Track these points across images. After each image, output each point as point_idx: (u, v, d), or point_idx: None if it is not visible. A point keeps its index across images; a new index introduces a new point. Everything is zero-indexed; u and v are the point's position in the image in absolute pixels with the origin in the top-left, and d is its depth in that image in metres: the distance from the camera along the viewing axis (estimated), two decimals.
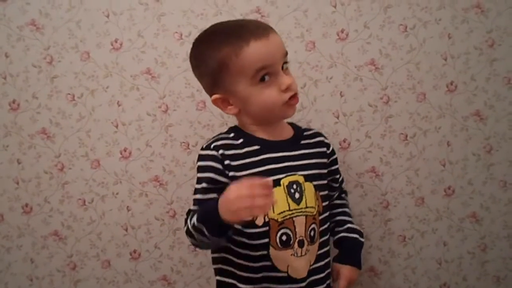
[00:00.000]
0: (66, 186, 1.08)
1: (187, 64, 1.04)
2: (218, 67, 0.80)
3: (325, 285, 0.88)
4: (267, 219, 0.82)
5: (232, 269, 0.85)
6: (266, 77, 0.80)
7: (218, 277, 0.89)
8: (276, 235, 0.82)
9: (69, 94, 1.05)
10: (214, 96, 0.84)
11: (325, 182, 0.91)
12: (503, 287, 1.16)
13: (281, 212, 0.82)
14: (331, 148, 0.94)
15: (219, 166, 0.82)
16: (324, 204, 0.89)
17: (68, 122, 1.06)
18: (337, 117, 1.09)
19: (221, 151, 0.83)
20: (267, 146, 0.85)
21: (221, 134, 0.89)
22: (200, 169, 0.84)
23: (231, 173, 0.82)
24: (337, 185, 0.98)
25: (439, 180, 1.12)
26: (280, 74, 0.81)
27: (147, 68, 1.05)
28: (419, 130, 1.10)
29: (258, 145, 0.85)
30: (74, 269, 1.11)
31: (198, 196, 0.84)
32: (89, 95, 1.06)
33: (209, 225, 0.75)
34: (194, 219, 0.78)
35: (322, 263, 0.87)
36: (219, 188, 0.79)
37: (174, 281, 1.13)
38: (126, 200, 1.09)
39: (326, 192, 0.90)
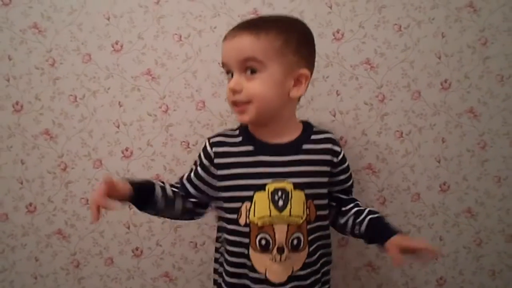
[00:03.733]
0: (69, 185, 1.10)
1: (187, 65, 1.08)
2: None
3: None
4: (248, 221, 0.83)
5: (222, 261, 0.89)
6: (231, 75, 0.83)
7: (214, 264, 0.94)
8: (256, 238, 0.83)
9: (71, 95, 1.08)
10: None
11: (324, 191, 0.88)
12: (499, 280, 1.18)
13: (261, 217, 0.82)
14: (340, 157, 0.89)
15: (207, 162, 0.87)
16: (320, 213, 0.87)
17: (70, 122, 1.08)
18: (334, 115, 1.11)
19: (214, 149, 0.87)
20: (262, 148, 0.85)
21: (229, 129, 0.92)
22: (198, 155, 0.90)
23: (219, 172, 0.86)
24: (347, 197, 0.93)
25: (434, 176, 1.14)
26: (233, 77, 0.82)
27: (148, 69, 1.08)
28: (414, 127, 1.12)
29: (253, 145, 0.86)
30: (78, 266, 1.13)
31: (190, 174, 0.91)
32: (91, 96, 1.08)
33: None
34: None
35: (309, 270, 0.86)
36: (201, 179, 0.88)
37: (176, 278, 1.15)
38: None
39: (324, 202, 0.88)
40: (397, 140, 1.12)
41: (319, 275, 0.88)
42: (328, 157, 0.87)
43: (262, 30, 0.80)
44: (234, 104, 0.83)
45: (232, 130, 0.91)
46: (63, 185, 1.10)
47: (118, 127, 1.09)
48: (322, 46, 1.07)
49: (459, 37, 1.09)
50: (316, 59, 1.07)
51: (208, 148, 0.87)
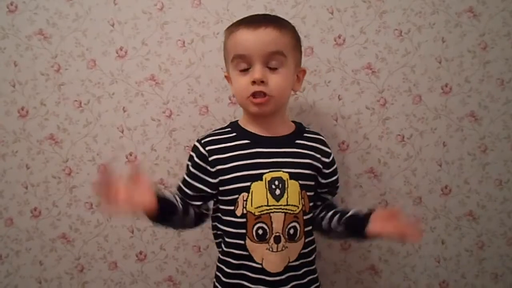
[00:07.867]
0: (73, 190, 1.11)
1: (190, 71, 1.09)
2: (224, 47, 0.89)
3: (305, 280, 0.89)
4: (245, 211, 0.85)
5: (221, 252, 0.91)
6: (246, 66, 0.83)
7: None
8: (253, 228, 0.85)
9: (76, 100, 1.09)
10: (225, 73, 0.93)
11: (313, 183, 0.90)
12: (501, 284, 1.18)
13: (259, 207, 0.84)
14: (330, 158, 0.93)
15: (201, 163, 0.88)
16: (311, 204, 0.90)
17: (75, 128, 1.10)
18: (336, 120, 1.12)
19: (208, 147, 0.88)
20: (257, 140, 0.88)
21: (219, 128, 0.94)
22: (189, 158, 0.91)
23: (214, 168, 0.87)
24: (331, 199, 0.97)
25: (436, 179, 1.15)
26: (256, 68, 0.82)
27: (151, 75, 1.09)
28: (416, 131, 1.13)
29: (248, 139, 0.88)
30: (82, 271, 1.14)
31: (185, 179, 0.91)
32: (96, 101, 1.09)
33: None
34: None
35: (303, 261, 0.88)
36: (198, 179, 0.88)
37: (179, 282, 1.15)
38: None
39: (313, 194, 0.91)
40: (398, 144, 1.13)
41: (312, 267, 0.92)
42: (318, 155, 0.91)
43: (283, 26, 0.85)
44: (254, 95, 0.83)
45: (222, 128, 0.94)
46: (67, 190, 1.11)
47: (122, 132, 1.10)
48: (324, 51, 1.09)
49: (459, 42, 1.10)
50: (318, 64, 1.09)
51: (201, 149, 0.88)
